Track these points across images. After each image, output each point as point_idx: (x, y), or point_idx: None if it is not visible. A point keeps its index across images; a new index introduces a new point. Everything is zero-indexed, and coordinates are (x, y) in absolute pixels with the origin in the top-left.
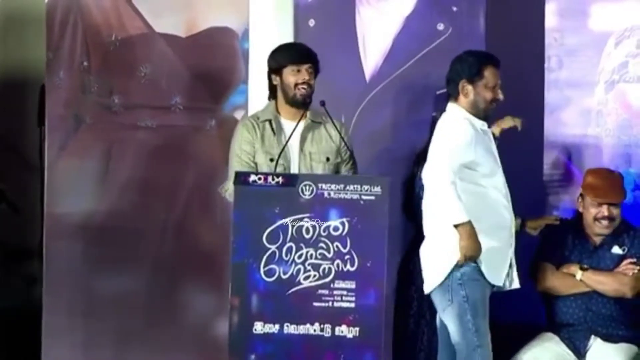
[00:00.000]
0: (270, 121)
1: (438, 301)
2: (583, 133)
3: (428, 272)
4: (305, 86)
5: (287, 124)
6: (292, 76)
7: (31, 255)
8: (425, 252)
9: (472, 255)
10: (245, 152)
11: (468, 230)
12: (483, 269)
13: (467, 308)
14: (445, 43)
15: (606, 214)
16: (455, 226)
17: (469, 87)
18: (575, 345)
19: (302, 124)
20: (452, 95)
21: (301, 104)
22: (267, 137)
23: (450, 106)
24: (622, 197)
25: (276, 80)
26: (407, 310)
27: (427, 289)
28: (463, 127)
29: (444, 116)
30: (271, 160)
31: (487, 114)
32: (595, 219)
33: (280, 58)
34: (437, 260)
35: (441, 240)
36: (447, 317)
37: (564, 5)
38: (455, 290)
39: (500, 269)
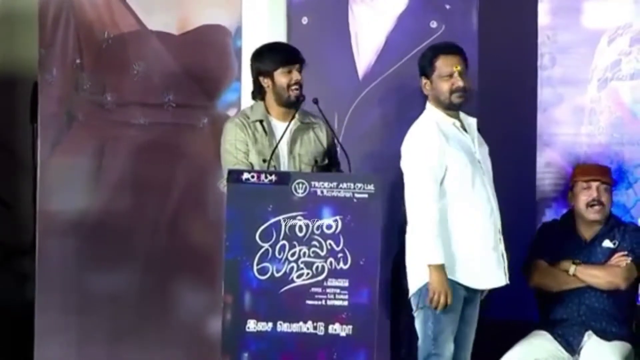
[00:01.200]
0: (261, 122)
1: (412, 305)
2: (576, 131)
3: (409, 278)
4: (297, 86)
5: (278, 125)
6: (284, 78)
7: (23, 253)
8: (408, 259)
9: (439, 300)
10: (241, 151)
11: (439, 275)
12: (460, 277)
13: (430, 315)
14: (438, 41)
15: (595, 195)
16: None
17: (427, 83)
18: (569, 341)
19: (292, 126)
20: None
21: (295, 104)
22: (259, 137)
23: (427, 105)
24: (609, 178)
25: (266, 82)
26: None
27: (409, 294)
28: (429, 143)
29: (416, 121)
30: (264, 161)
31: (453, 104)
32: (587, 205)
33: (270, 61)
34: (414, 270)
35: (415, 254)
36: (416, 321)
37: (557, 3)
38: (424, 297)
39: (482, 273)
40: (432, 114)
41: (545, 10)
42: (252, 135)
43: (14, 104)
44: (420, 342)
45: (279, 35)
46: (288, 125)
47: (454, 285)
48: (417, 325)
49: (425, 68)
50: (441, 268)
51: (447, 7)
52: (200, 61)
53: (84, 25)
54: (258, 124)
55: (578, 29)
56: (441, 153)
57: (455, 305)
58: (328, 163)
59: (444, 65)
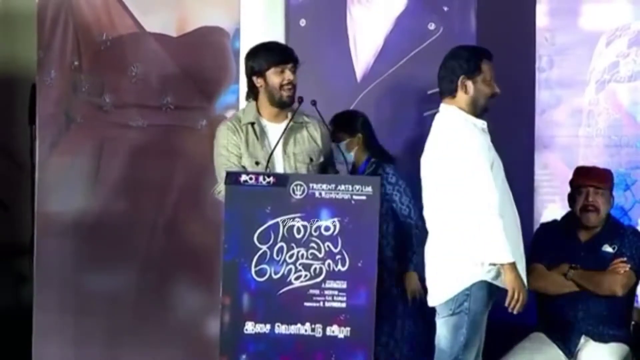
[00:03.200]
0: (252, 124)
1: (439, 309)
2: (574, 133)
3: (436, 285)
4: (290, 86)
5: (270, 126)
6: (276, 77)
7: (22, 254)
8: (434, 264)
9: (519, 299)
10: (234, 154)
11: (515, 272)
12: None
13: (465, 321)
14: (436, 42)
15: (590, 199)
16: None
17: (469, 83)
18: (566, 345)
19: (284, 126)
20: (447, 93)
21: (287, 105)
22: (251, 140)
23: (446, 107)
24: (606, 183)
25: (259, 82)
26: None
27: (432, 302)
28: (475, 136)
29: (442, 120)
30: (256, 163)
31: (485, 109)
32: (581, 209)
33: (263, 60)
34: (449, 276)
35: (458, 256)
36: (443, 325)
37: (555, 5)
38: (460, 302)
39: (522, 270)
40: (461, 114)
41: (543, 12)
42: (244, 139)
43: (13, 106)
44: (445, 347)
45: (277, 37)
46: (285, 128)
47: (497, 289)
48: (445, 330)
49: (471, 69)
50: (515, 265)
51: (445, 8)
52: (198, 63)
53: (83, 27)
54: (249, 126)
55: (576, 30)
56: (489, 149)
57: (489, 306)
58: (324, 162)
59: (489, 69)
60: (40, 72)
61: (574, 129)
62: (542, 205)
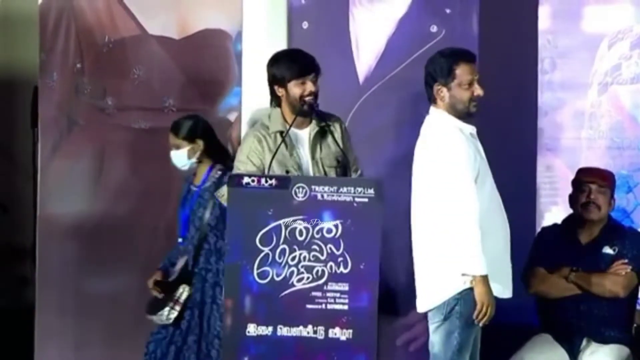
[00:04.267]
0: (281, 132)
1: (431, 315)
2: (576, 135)
3: (425, 290)
4: (311, 97)
5: (295, 133)
6: (298, 88)
7: (24, 256)
8: (424, 269)
9: (486, 312)
10: (251, 162)
11: (486, 286)
12: (493, 288)
13: (458, 325)
14: (438, 45)
15: (592, 196)
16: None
17: (444, 90)
18: (568, 346)
19: (310, 133)
20: (430, 99)
21: (308, 114)
22: (280, 149)
23: (434, 111)
24: (607, 182)
25: (280, 91)
26: None
27: (421, 308)
28: (460, 144)
29: (430, 124)
30: (287, 172)
31: (470, 113)
32: (582, 205)
33: (284, 71)
34: (440, 281)
35: (447, 261)
36: (436, 330)
37: (557, 7)
38: (451, 306)
39: (506, 282)
40: (449, 120)
41: (545, 15)
42: (272, 147)
43: (15, 108)
44: (439, 352)
45: (280, 39)
46: (312, 134)
47: None
48: (438, 335)
49: (444, 75)
50: (487, 279)
51: (448, 11)
52: (200, 65)
53: (85, 30)
54: (278, 135)
55: (578, 33)
56: (475, 158)
57: None
58: (347, 162)
59: (466, 73)
60: (42, 75)
61: (576, 131)
62: (544, 208)
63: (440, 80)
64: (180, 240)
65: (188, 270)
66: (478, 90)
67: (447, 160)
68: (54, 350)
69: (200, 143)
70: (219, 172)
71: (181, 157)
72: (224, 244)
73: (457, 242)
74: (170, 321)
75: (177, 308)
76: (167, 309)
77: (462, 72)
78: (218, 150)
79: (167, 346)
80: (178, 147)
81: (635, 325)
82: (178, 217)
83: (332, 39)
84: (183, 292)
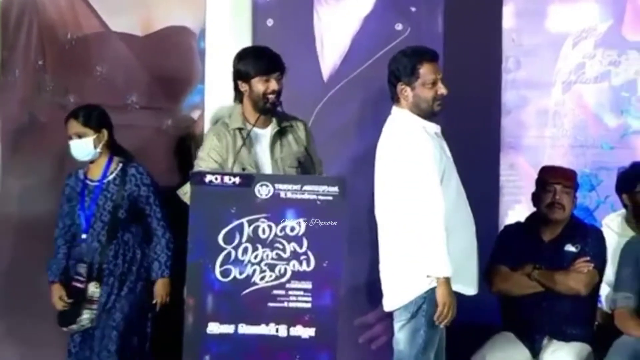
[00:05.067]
0: (240, 130)
1: (397, 314)
2: (540, 134)
3: (393, 289)
4: (273, 95)
5: (256, 131)
6: (261, 85)
7: None
8: (391, 268)
9: (447, 313)
10: (212, 159)
11: (447, 287)
12: (458, 286)
13: (423, 323)
14: (403, 43)
15: (556, 197)
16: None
17: (407, 89)
18: (530, 344)
19: (271, 132)
20: (393, 99)
21: (269, 112)
22: (238, 146)
23: (397, 110)
24: (572, 182)
25: (243, 87)
26: None
27: (389, 307)
28: (425, 143)
29: (394, 124)
30: (243, 169)
31: (434, 112)
32: (547, 205)
33: (250, 67)
34: (406, 280)
35: (413, 260)
36: (402, 329)
37: (522, 6)
38: (418, 305)
39: (472, 280)
40: (413, 119)
41: (510, 13)
42: (231, 144)
43: None
44: (404, 349)
45: (244, 37)
46: (272, 133)
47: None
48: (403, 333)
49: (407, 74)
50: (449, 281)
51: (413, 9)
52: (164, 63)
53: (47, 26)
54: (237, 132)
55: (543, 32)
56: (440, 158)
57: None
58: (308, 162)
59: (429, 72)
60: (4, 72)
61: (539, 129)
62: (508, 206)
63: (404, 79)
64: (84, 236)
65: (95, 267)
66: (442, 90)
67: (413, 160)
68: (6, 351)
69: (105, 133)
70: (120, 165)
71: (86, 146)
72: (132, 237)
73: (422, 243)
74: (93, 323)
75: (95, 307)
76: (85, 314)
77: (425, 71)
78: (114, 143)
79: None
80: (81, 136)
81: (597, 323)
82: (63, 213)
83: (297, 37)
84: (95, 290)
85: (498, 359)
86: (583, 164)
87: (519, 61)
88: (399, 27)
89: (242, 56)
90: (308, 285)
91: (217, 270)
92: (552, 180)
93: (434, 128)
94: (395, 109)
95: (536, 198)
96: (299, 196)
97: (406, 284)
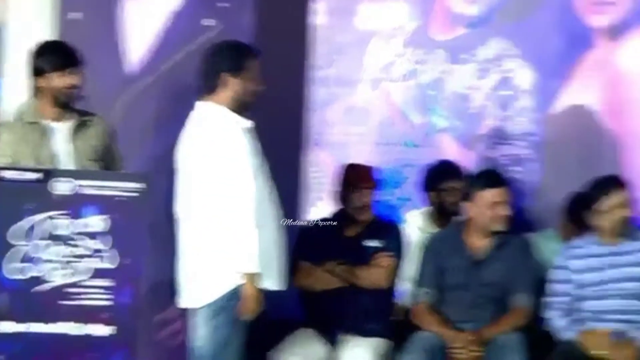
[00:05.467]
0: (36, 123)
1: (200, 310)
2: (346, 131)
3: (197, 286)
4: (71, 90)
5: (54, 125)
6: (59, 80)
7: None
8: (195, 265)
9: (254, 309)
10: (7, 155)
11: (254, 281)
12: (265, 282)
13: (224, 320)
14: (212, 39)
15: (365, 199)
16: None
17: (233, 81)
18: (330, 340)
19: (70, 125)
20: (208, 89)
21: (68, 106)
22: (33, 140)
23: (207, 105)
24: (376, 180)
25: (41, 82)
26: None
27: (192, 304)
28: (240, 139)
29: (204, 119)
30: (39, 164)
31: (248, 106)
32: (356, 208)
33: (46, 63)
34: (213, 277)
35: (223, 257)
36: (203, 325)
37: (333, 4)
38: (222, 301)
39: (279, 275)
40: (226, 114)
41: (321, 11)
42: (25, 138)
43: None
44: (203, 346)
45: (47, 30)
46: (71, 127)
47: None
48: (205, 330)
49: (236, 66)
50: (257, 276)
51: (221, 5)
52: None
53: None
54: (32, 125)
55: (352, 29)
56: (253, 154)
57: None
58: (108, 158)
59: (255, 67)
60: None
61: (346, 126)
62: (311, 203)
63: (231, 70)
64: None
65: None
66: (261, 85)
67: (227, 155)
68: None
69: None
70: None
71: None
72: None
73: (234, 239)
74: None
75: None
76: None
77: (253, 65)
78: None
79: None
80: None
81: (396, 318)
82: None
83: (101, 31)
84: None
85: (296, 355)
86: (388, 161)
87: (328, 58)
88: (208, 22)
89: (38, 51)
90: (108, 282)
91: (7, 267)
92: (360, 184)
93: (247, 123)
94: (207, 104)
95: (342, 198)
96: (101, 192)
97: (213, 281)
